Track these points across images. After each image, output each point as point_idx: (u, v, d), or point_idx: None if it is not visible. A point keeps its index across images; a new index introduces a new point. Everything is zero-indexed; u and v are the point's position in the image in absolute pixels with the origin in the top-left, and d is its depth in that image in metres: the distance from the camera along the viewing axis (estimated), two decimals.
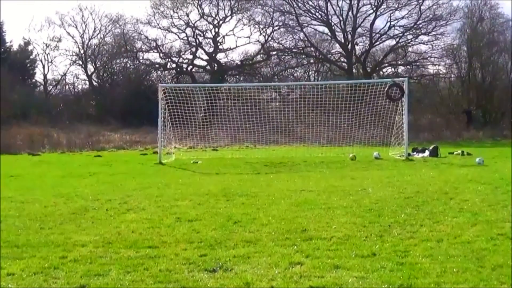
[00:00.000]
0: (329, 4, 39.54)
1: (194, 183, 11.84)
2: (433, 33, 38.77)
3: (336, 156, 19.18)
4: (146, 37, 43.64)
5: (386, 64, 42.26)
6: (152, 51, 44.58)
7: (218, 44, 43.85)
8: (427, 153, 19.35)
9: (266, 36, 42.36)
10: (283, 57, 42.97)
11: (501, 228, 6.48)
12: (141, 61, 45.15)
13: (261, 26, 41.97)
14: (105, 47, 45.85)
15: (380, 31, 40.10)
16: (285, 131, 25.43)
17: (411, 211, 7.74)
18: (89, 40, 45.79)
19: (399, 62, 41.72)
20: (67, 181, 12.42)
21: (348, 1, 39.05)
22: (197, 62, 45.21)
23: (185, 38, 43.75)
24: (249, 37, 46.32)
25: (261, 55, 43.69)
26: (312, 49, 41.90)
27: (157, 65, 44.94)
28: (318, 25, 41.02)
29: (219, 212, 7.91)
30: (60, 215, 7.86)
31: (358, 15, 39.56)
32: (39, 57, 46.34)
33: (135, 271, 5.01)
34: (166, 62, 44.90)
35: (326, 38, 41.83)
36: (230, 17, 42.72)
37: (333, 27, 40.15)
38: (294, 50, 42.04)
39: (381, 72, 42.06)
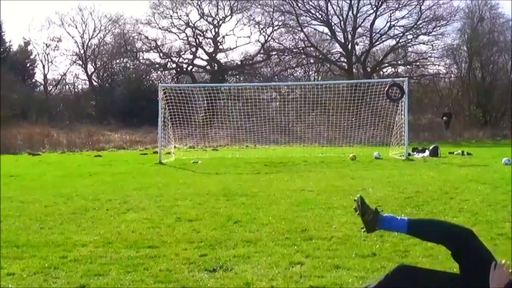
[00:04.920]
0: (329, 4, 39.55)
1: (194, 183, 11.84)
2: (433, 33, 38.79)
3: (336, 156, 19.17)
4: (146, 37, 43.69)
5: (386, 64, 42.24)
6: (152, 51, 44.63)
7: (218, 44, 43.87)
8: (427, 153, 19.35)
9: (266, 36, 42.41)
10: (283, 57, 42.97)
11: (501, 228, 6.47)
12: (141, 61, 45.18)
13: (261, 26, 42.03)
14: (105, 47, 45.92)
15: (380, 31, 40.13)
16: (285, 131, 25.44)
17: (411, 211, 7.74)
18: (89, 40, 45.92)
19: (399, 62, 41.72)
20: (67, 181, 12.43)
21: (348, 1, 39.05)
22: (197, 62, 45.27)
23: (185, 38, 43.77)
24: (249, 37, 46.53)
25: (261, 55, 43.70)
26: (312, 49, 41.91)
27: (157, 65, 44.95)
28: (318, 25, 41.07)
29: (219, 212, 7.92)
30: (60, 215, 7.86)
31: (358, 15, 39.56)
32: (39, 57, 46.47)
33: (135, 271, 5.01)
34: (166, 62, 44.92)
35: (326, 38, 41.88)
36: (230, 17, 42.78)
37: (333, 27, 40.16)
38: (294, 50, 42.03)
39: (381, 72, 42.05)
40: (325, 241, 6.02)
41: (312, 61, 43.29)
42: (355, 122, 23.28)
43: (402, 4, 38.69)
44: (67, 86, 48.20)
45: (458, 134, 31.25)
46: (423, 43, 39.72)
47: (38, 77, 47.06)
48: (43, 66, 46.27)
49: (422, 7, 38.40)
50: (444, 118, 33.10)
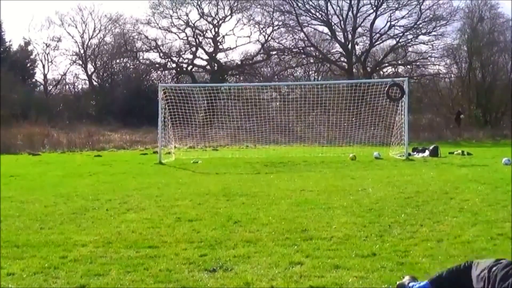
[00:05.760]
0: (329, 4, 39.57)
1: (194, 183, 11.84)
2: (433, 33, 38.85)
3: (336, 156, 19.16)
4: (146, 37, 43.73)
5: (386, 64, 42.25)
6: (152, 51, 44.67)
7: (218, 44, 43.88)
8: (427, 153, 19.34)
9: (266, 36, 42.44)
10: (283, 57, 42.97)
11: (501, 228, 6.47)
12: (141, 61, 45.19)
13: (261, 26, 42.05)
14: (105, 47, 45.93)
15: (380, 31, 40.17)
16: (285, 131, 25.43)
17: (411, 211, 7.74)
18: (89, 40, 45.94)
19: (399, 62, 41.72)
20: (67, 181, 12.43)
21: (348, 1, 39.08)
22: (197, 62, 45.29)
23: (185, 38, 43.80)
24: (249, 36, 46.54)
25: (261, 55, 43.70)
26: (312, 49, 41.90)
27: (157, 65, 44.97)
28: (318, 25, 41.09)
29: (219, 212, 7.91)
30: (60, 215, 7.86)
31: (358, 15, 39.59)
32: (39, 57, 46.47)
33: (135, 271, 5.01)
34: (166, 62, 44.93)
35: (326, 38, 41.88)
36: (230, 16, 42.78)
37: (333, 27, 40.17)
38: (294, 50, 42.03)
39: (381, 72, 42.07)
40: (325, 241, 6.02)
41: (312, 61, 43.30)
42: (355, 122, 23.27)
43: (402, 4, 38.75)
44: (67, 86, 48.25)
45: (458, 134, 31.25)
46: (423, 43, 39.82)
47: (38, 77, 47.15)
48: (43, 66, 46.36)
49: (422, 7, 38.49)
50: (461, 116, 33.12)
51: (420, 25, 39.00)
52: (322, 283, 4.60)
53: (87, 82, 46.83)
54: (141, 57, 45.13)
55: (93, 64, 46.48)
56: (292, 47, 41.86)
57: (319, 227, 6.72)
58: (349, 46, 40.20)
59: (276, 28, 41.67)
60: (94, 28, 45.72)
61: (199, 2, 42.16)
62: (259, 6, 41.02)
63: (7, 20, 54.53)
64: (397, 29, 39.77)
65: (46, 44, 45.80)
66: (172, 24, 42.74)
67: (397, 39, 40.10)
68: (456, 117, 33.51)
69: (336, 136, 23.20)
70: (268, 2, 40.49)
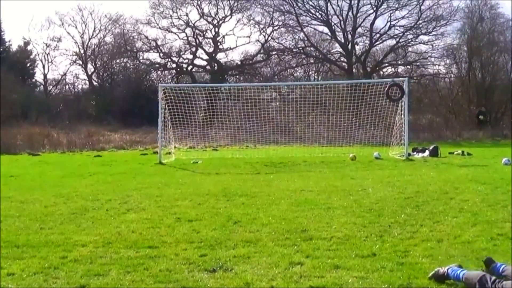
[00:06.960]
0: (329, 4, 39.54)
1: (194, 183, 11.84)
2: (433, 33, 38.75)
3: (336, 156, 19.16)
4: (146, 37, 43.66)
5: (386, 64, 42.19)
6: (152, 51, 44.61)
7: (218, 44, 43.85)
8: (427, 153, 19.34)
9: (266, 36, 42.41)
10: (283, 57, 42.95)
11: (501, 228, 6.47)
12: (141, 61, 45.16)
13: (261, 26, 42.03)
14: (105, 47, 45.92)
15: (380, 31, 40.10)
16: (285, 131, 25.44)
17: (411, 211, 7.74)
18: (89, 40, 45.95)
19: (399, 62, 41.69)
20: (67, 181, 12.43)
21: (348, 1, 39.02)
22: (197, 62, 45.23)
23: (185, 38, 43.76)
24: (249, 37, 46.46)
25: (261, 55, 43.68)
26: (312, 49, 41.88)
27: (157, 65, 44.93)
28: (318, 25, 41.04)
29: (219, 212, 7.92)
30: (60, 215, 7.86)
31: (358, 15, 39.52)
32: (39, 57, 46.49)
33: (135, 271, 5.01)
34: (166, 62, 44.89)
35: (326, 38, 41.84)
36: (230, 16, 42.76)
37: (333, 27, 40.14)
38: (294, 50, 42.01)
39: (381, 72, 42.03)
40: (325, 241, 6.03)
41: (312, 61, 43.25)
42: (355, 122, 23.27)
43: (402, 4, 38.69)
44: (67, 86, 48.27)
45: (458, 134, 31.25)
46: (423, 43, 39.74)
47: (38, 77, 47.15)
48: (43, 66, 46.37)
49: (422, 7, 38.41)
50: (480, 116, 33.01)
51: (420, 25, 38.97)
52: (322, 283, 4.61)
53: (87, 82, 46.88)
54: (141, 57, 45.13)
55: (93, 64, 46.49)
56: (292, 47, 41.82)
57: (319, 227, 6.72)
58: (349, 46, 40.16)
59: (276, 28, 41.67)
60: (94, 28, 45.79)
61: (199, 2, 42.18)
62: (259, 6, 41.04)
63: (7, 20, 54.57)
64: (397, 29, 39.73)
65: (46, 44, 45.88)
66: (172, 24, 42.75)
67: (397, 39, 40.08)
68: (476, 117, 33.40)
69: (336, 136, 23.18)
70: (268, 2, 40.47)
